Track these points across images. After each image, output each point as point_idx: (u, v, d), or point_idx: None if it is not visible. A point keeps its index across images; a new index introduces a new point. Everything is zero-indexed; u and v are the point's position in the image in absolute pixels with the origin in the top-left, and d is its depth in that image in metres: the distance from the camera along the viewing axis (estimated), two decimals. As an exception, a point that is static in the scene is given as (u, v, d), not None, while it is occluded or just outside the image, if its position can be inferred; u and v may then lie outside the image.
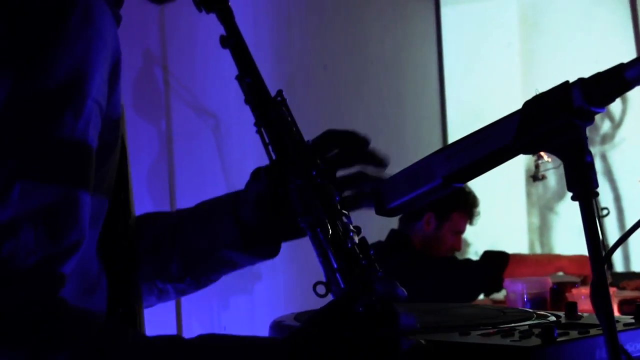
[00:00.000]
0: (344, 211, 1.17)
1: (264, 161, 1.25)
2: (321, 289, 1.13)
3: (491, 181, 4.40)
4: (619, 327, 1.24)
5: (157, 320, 3.04)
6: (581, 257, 3.50)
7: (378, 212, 1.17)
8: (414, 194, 1.13)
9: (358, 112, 4.48)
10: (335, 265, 1.13)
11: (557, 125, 1.02)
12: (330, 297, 1.13)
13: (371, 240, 3.61)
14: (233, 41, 1.20)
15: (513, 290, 2.69)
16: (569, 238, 5.02)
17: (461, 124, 5.02)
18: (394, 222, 3.77)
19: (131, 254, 1.22)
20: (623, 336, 1.21)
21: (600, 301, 0.98)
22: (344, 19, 4.55)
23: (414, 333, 1.08)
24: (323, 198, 1.16)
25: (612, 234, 4.80)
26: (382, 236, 3.74)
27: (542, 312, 1.36)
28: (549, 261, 3.73)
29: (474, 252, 4.08)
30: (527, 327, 1.23)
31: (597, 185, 1.02)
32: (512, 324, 1.26)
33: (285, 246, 1.32)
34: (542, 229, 5.27)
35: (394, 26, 4.83)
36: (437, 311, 1.40)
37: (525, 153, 1.07)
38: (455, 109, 5.18)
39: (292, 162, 1.18)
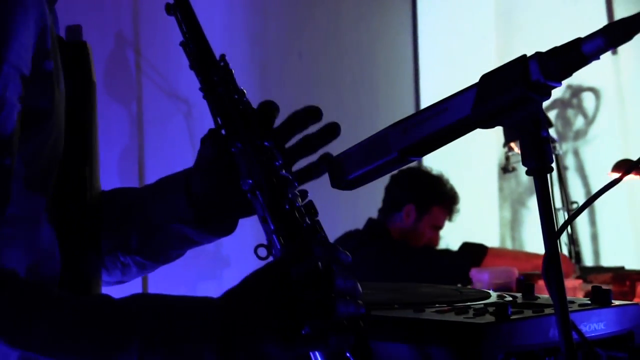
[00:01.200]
0: (285, 174, 1.16)
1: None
2: (262, 252, 1.12)
3: (464, 174, 4.41)
4: (575, 307, 1.24)
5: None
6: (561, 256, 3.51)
7: (333, 185, 1.15)
8: (369, 167, 1.12)
9: (332, 101, 4.47)
10: (272, 227, 1.12)
11: (514, 98, 1.01)
12: (271, 260, 1.12)
13: (348, 228, 3.53)
14: (179, 6, 1.20)
15: (479, 279, 2.69)
16: (540, 233, 5.02)
17: (435, 116, 5.02)
18: (372, 212, 3.76)
19: (89, 228, 1.21)
20: (578, 316, 1.21)
21: (552, 275, 0.98)
22: (320, 7, 4.54)
23: (354, 296, 1.05)
24: (264, 161, 1.15)
25: (583, 228, 4.83)
26: (359, 225, 3.73)
27: (499, 293, 1.36)
28: (527, 258, 3.73)
29: (445, 245, 4.08)
30: (482, 305, 1.23)
31: (551, 161, 1.02)
32: (468, 303, 1.25)
33: (254, 233, 1.30)
34: (514, 224, 5.28)
35: (370, 16, 4.83)
36: (395, 289, 1.39)
37: (482, 127, 1.06)
38: (430, 101, 5.16)
39: (234, 126, 1.17)
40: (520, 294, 1.34)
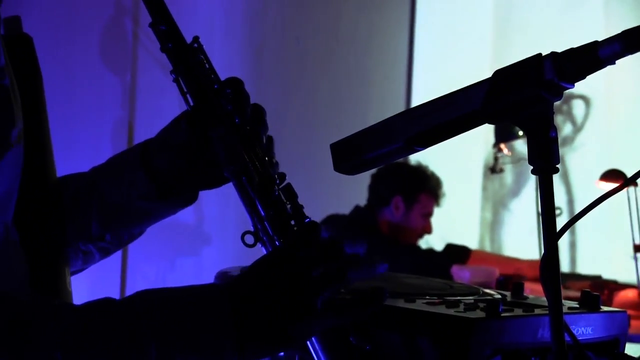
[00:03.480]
0: (267, 157, 1.15)
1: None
2: (249, 239, 1.11)
3: (448, 172, 4.43)
4: (564, 310, 1.23)
5: (101, 284, 2.99)
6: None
7: (336, 169, 1.14)
8: (374, 154, 1.11)
9: (325, 88, 4.47)
10: (263, 214, 1.11)
11: (525, 96, 1.01)
12: (259, 247, 1.11)
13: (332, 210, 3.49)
14: None
15: (460, 277, 2.71)
16: (518, 235, 5.06)
17: (426, 112, 5.02)
18: (359, 198, 3.76)
19: (51, 221, 1.16)
20: (567, 319, 1.19)
21: (549, 275, 0.98)
22: (321, -6, 4.53)
23: (362, 262, 1.06)
24: (246, 146, 1.14)
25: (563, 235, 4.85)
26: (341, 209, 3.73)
27: (488, 290, 1.36)
28: (508, 262, 3.77)
29: (425, 242, 4.10)
30: (472, 300, 1.23)
31: (558, 161, 1.02)
32: (459, 297, 1.26)
33: (235, 212, 1.29)
34: (494, 225, 5.30)
35: (370, 8, 4.82)
36: (385, 279, 1.39)
37: (491, 122, 1.06)
38: (421, 97, 5.18)
39: (212, 110, 1.15)
40: (509, 292, 1.34)
